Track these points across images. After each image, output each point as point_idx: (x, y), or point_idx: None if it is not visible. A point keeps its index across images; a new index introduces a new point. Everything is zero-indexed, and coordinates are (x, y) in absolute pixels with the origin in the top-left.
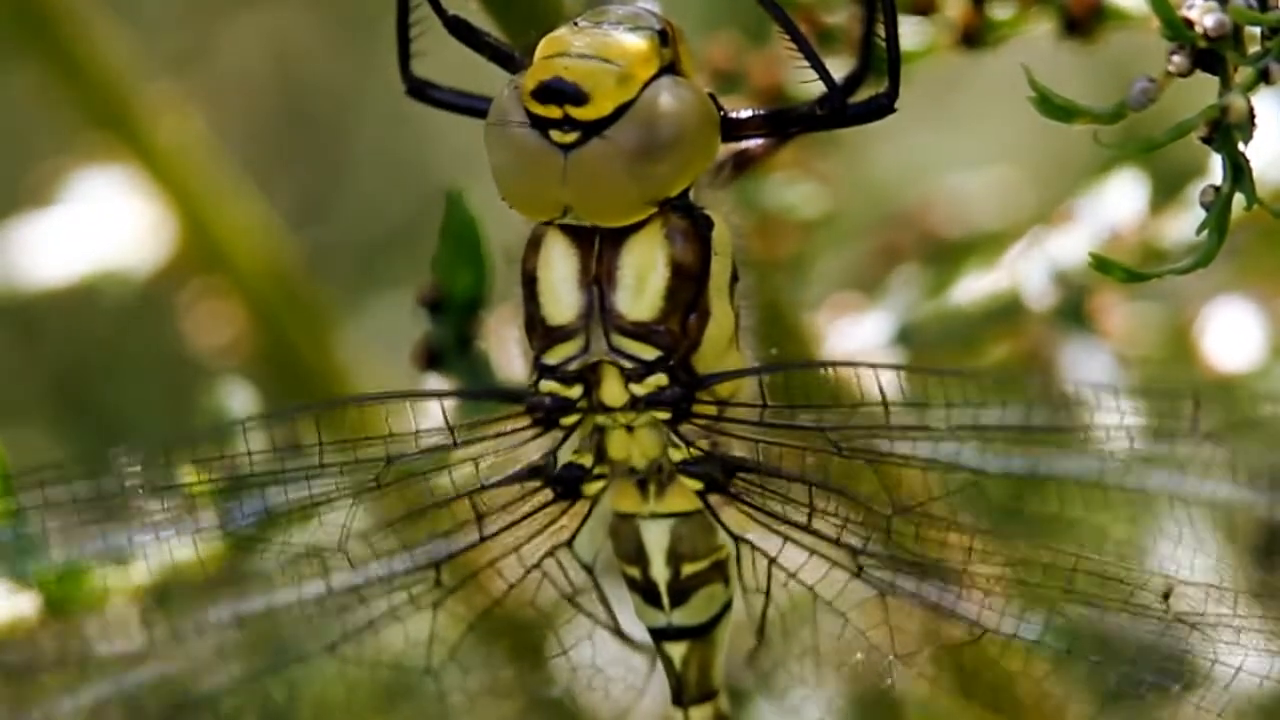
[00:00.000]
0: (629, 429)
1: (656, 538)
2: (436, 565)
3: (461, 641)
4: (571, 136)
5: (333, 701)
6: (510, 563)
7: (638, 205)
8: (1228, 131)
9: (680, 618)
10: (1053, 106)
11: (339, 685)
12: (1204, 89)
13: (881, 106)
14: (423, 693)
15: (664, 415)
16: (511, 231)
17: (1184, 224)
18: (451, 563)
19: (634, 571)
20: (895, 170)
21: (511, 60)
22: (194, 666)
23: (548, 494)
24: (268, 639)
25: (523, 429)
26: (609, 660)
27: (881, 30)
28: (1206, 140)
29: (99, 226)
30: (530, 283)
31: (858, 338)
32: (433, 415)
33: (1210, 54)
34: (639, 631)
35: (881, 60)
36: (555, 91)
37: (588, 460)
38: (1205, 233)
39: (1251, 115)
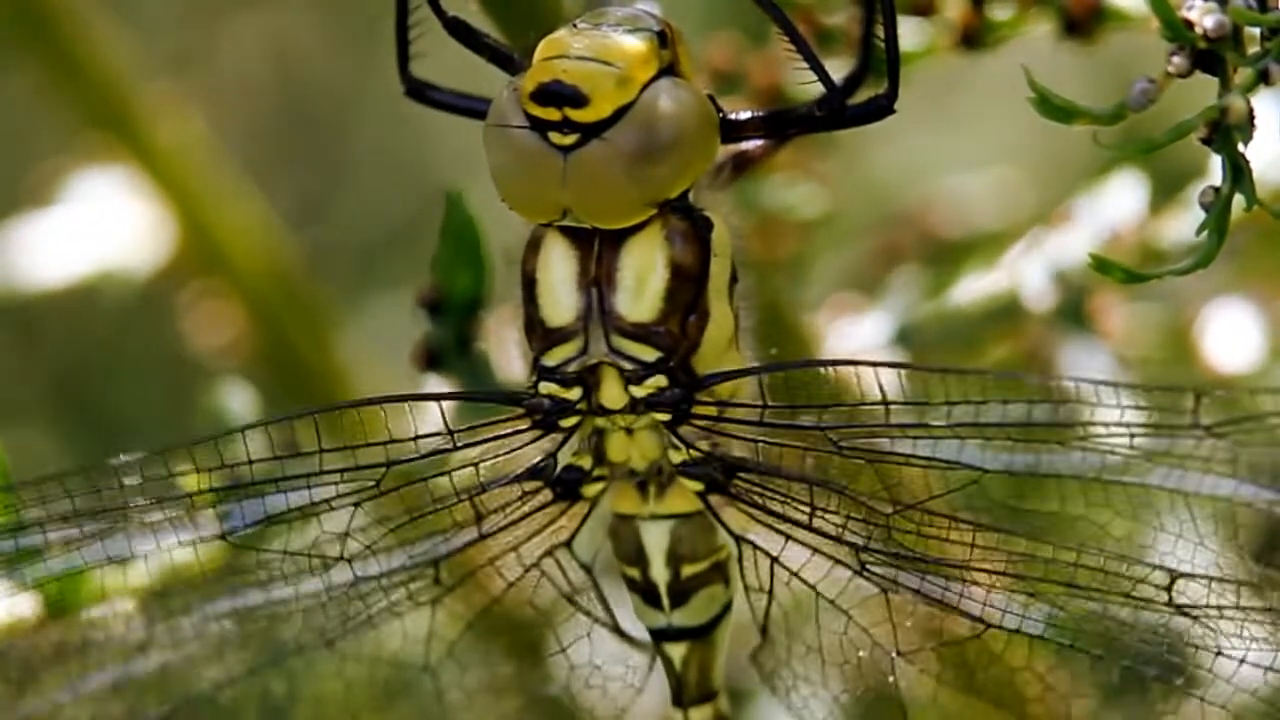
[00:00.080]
0: (628, 431)
1: (656, 539)
2: (435, 563)
3: (460, 639)
4: (571, 138)
5: (331, 697)
6: (509, 562)
7: (637, 207)
8: (1227, 132)
9: (680, 619)
10: (1052, 107)
11: (337, 681)
12: (1204, 89)
13: (881, 107)
14: (420, 690)
15: (664, 417)
16: (511, 232)
17: (1184, 225)
18: (450, 561)
19: (634, 572)
20: (895, 171)
21: (511, 62)
22: (193, 662)
23: (547, 495)
24: (266, 634)
25: (522, 431)
26: (607, 659)
27: (881, 31)
28: (1206, 141)
29: (99, 227)
30: (529, 284)
31: (858, 338)
32: (432, 417)
33: (1210, 55)
34: (637, 630)
35: (881, 61)
36: (554, 94)
37: (587, 462)
38: (1205, 234)
39: (1251, 116)
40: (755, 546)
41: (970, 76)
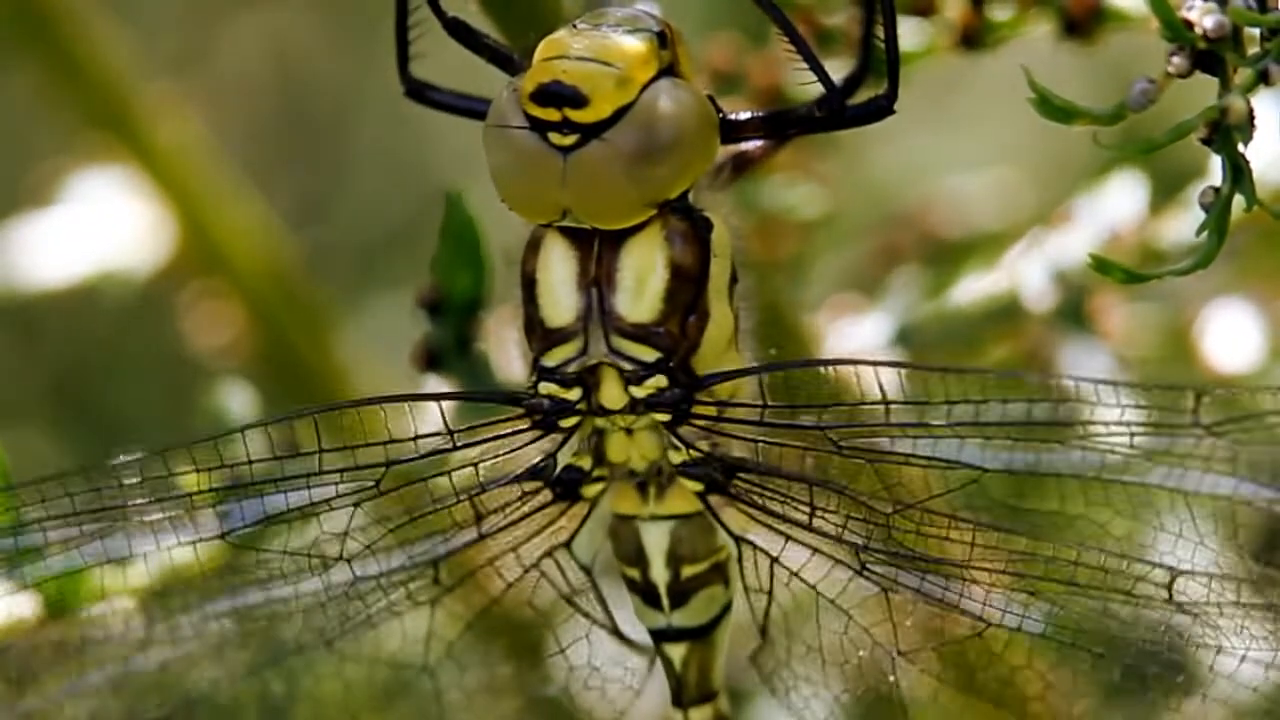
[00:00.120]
0: (628, 432)
1: (656, 540)
2: (434, 563)
3: (459, 639)
4: (570, 139)
5: (330, 697)
6: (508, 562)
7: (637, 207)
8: (1227, 133)
9: (680, 619)
10: (1052, 108)
11: (336, 681)
12: (1204, 90)
13: (880, 108)
14: (420, 690)
15: (663, 417)
16: (511, 233)
17: (1184, 225)
18: (449, 561)
19: (634, 573)
20: (895, 171)
21: (510, 62)
22: (193, 661)
23: (547, 495)
24: (266, 634)
25: (522, 431)
26: (606, 659)
27: (880, 32)
28: (1206, 141)
29: (99, 227)
30: (529, 285)
31: (858, 338)
32: (432, 417)
33: (1210, 55)
34: (636, 631)
35: (881, 62)
36: (554, 94)
37: (586, 463)
38: (1205, 234)
39: (1251, 116)
40: (755, 547)
41: (970, 77)
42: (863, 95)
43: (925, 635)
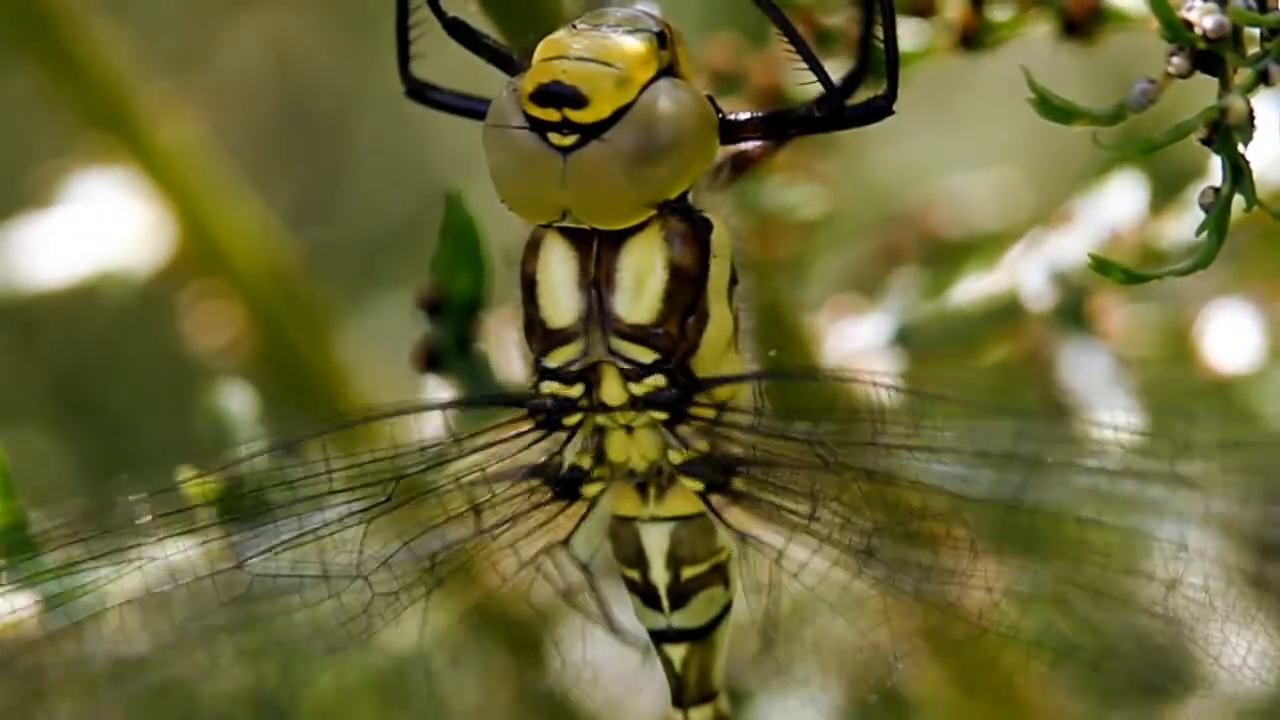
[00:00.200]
0: (628, 430)
1: (656, 541)
2: (431, 558)
3: (457, 637)
4: (570, 139)
5: (329, 696)
6: (506, 559)
7: (636, 208)
8: (1227, 133)
9: (680, 620)
10: (1052, 108)
11: (335, 681)
12: (1204, 90)
13: (880, 108)
14: (415, 687)
15: (662, 416)
16: (511, 233)
17: (1184, 225)
18: (448, 559)
19: (633, 574)
20: (895, 171)
21: (510, 62)
22: (193, 664)
23: (546, 493)
24: (266, 635)
25: (525, 433)
26: (604, 658)
27: (880, 32)
28: (1206, 142)
29: (99, 227)
30: (529, 285)
31: (857, 339)
32: (435, 421)
33: (1210, 55)
34: (634, 629)
35: (880, 62)
36: (554, 94)
37: (587, 462)
38: (1205, 234)
39: (1251, 117)
40: (755, 547)
41: (970, 77)
42: (862, 95)
43: (924, 637)
